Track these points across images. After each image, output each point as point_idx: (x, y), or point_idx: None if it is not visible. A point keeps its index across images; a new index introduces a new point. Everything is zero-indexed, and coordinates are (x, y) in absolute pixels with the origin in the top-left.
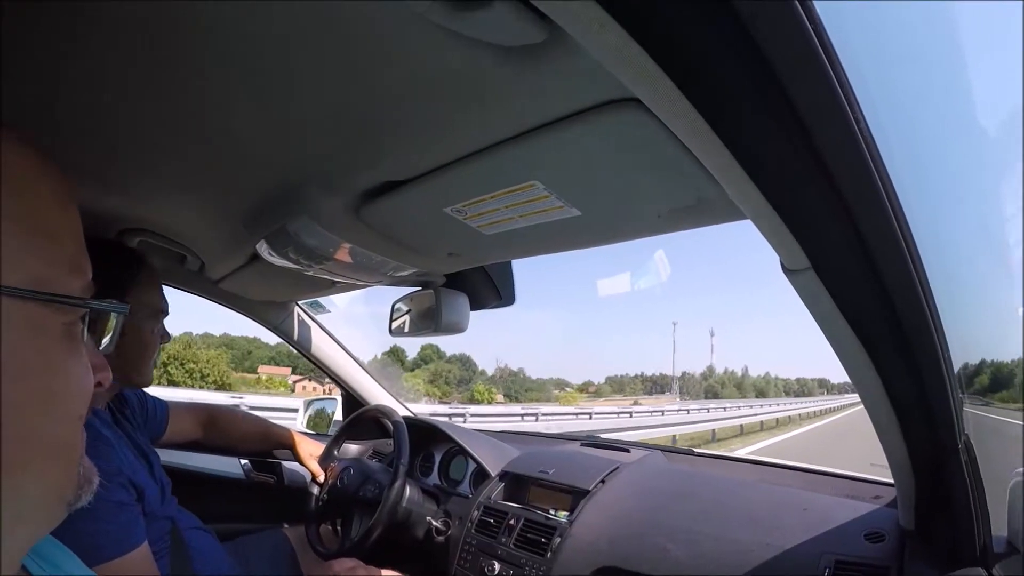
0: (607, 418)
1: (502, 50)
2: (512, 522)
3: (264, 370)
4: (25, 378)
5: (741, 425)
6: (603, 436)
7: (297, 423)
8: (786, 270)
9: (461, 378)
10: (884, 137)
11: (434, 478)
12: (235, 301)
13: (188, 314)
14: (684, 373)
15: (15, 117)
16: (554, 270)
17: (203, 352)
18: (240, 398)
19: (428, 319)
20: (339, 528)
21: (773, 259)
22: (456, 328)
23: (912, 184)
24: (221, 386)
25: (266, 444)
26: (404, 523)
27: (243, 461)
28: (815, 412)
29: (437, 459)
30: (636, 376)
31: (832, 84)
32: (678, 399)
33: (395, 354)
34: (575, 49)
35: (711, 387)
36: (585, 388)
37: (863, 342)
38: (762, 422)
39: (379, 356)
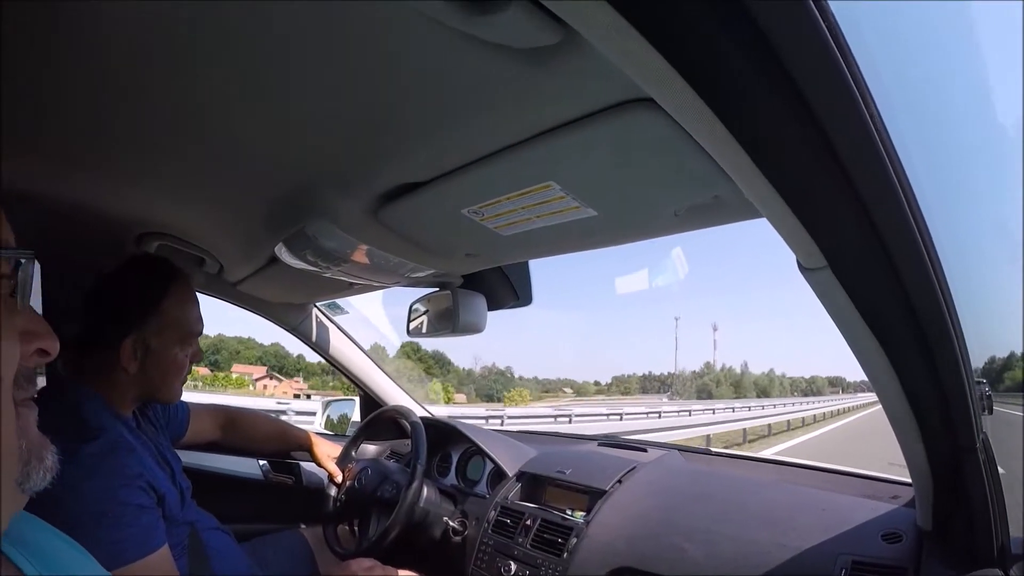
0: (637, 419)
1: (517, 52)
2: (529, 522)
3: (237, 369)
4: None
5: (745, 429)
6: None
7: (315, 424)
8: (802, 268)
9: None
10: (900, 134)
11: (451, 478)
12: (254, 303)
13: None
14: (674, 372)
15: (31, 121)
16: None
17: None
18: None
19: (446, 320)
20: (356, 528)
21: (782, 258)
22: (474, 328)
23: (929, 182)
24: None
25: (284, 445)
26: (421, 523)
27: (262, 462)
28: (827, 413)
29: (454, 459)
30: (645, 375)
31: (847, 82)
32: (665, 400)
33: (376, 352)
34: (589, 51)
35: (704, 386)
36: (584, 388)
37: (880, 341)
38: (770, 426)
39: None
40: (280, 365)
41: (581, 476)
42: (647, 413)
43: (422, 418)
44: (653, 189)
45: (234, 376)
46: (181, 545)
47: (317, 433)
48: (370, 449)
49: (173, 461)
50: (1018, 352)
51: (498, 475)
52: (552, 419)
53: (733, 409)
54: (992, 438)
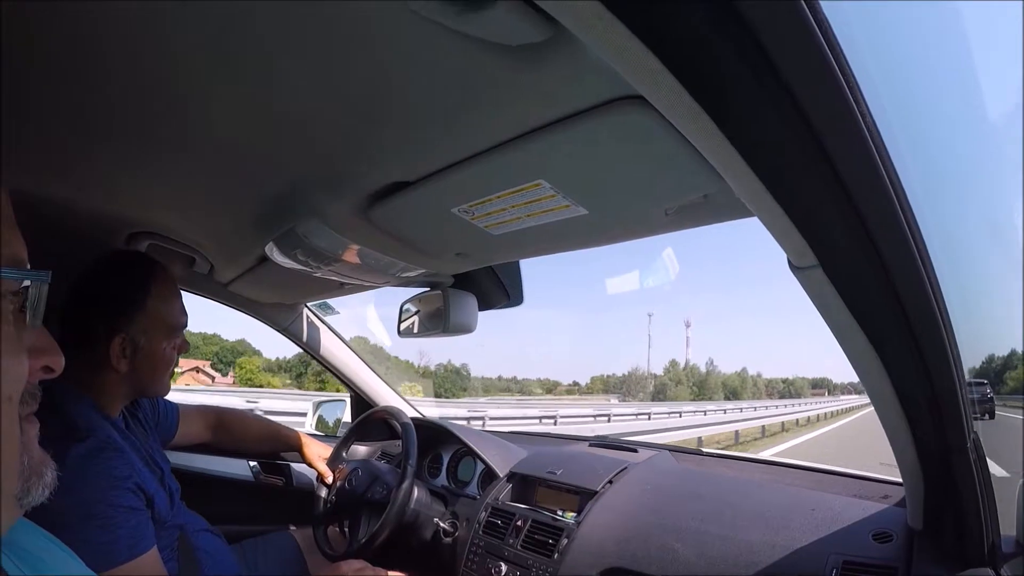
0: (575, 422)
1: (506, 49)
2: (519, 523)
3: (185, 363)
4: None
5: (700, 438)
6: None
7: (306, 425)
8: (793, 267)
9: None
10: (891, 133)
11: (442, 479)
12: (244, 304)
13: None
14: (633, 370)
15: (20, 120)
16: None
17: None
18: None
19: (437, 320)
20: (347, 530)
21: (764, 258)
22: (465, 328)
23: (920, 180)
24: None
25: (274, 445)
26: (412, 525)
27: (252, 463)
28: (810, 418)
29: (445, 460)
30: (627, 375)
31: (837, 79)
32: (614, 401)
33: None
34: (579, 47)
35: (663, 386)
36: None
37: (871, 340)
38: (737, 432)
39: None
40: (232, 361)
41: (572, 477)
42: (594, 416)
43: (413, 419)
44: (643, 188)
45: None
46: (171, 547)
47: (308, 434)
48: (361, 450)
49: (162, 462)
50: (1019, 350)
51: (489, 476)
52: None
53: (680, 414)
54: (996, 443)
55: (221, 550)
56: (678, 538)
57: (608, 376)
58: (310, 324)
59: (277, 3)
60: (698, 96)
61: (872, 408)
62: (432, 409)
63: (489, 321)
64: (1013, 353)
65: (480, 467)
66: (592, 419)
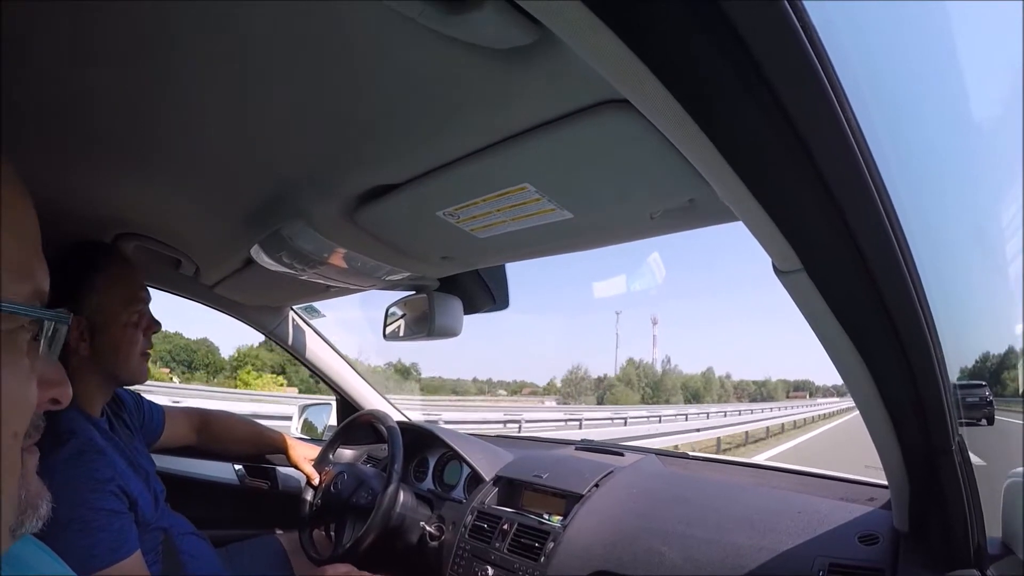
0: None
1: (492, 53)
2: (506, 527)
3: None
4: None
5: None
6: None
7: (292, 429)
8: (777, 271)
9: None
10: (876, 136)
11: (428, 483)
12: (230, 306)
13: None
14: (574, 368)
15: (13, 121)
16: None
17: None
18: None
19: (422, 323)
20: (332, 533)
21: (749, 261)
22: (450, 332)
23: (904, 184)
24: None
25: (260, 447)
26: (398, 528)
27: (237, 466)
28: (785, 425)
29: (431, 464)
30: (568, 375)
31: (822, 84)
32: (553, 404)
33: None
34: (564, 51)
35: (608, 386)
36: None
37: (855, 343)
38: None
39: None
40: (190, 360)
41: (558, 480)
42: (504, 422)
43: (399, 423)
44: (629, 191)
45: None
46: (155, 550)
47: (293, 436)
48: (347, 454)
49: (147, 465)
50: (1018, 347)
51: (475, 480)
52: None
53: (625, 419)
54: (996, 451)
55: (206, 553)
56: (664, 541)
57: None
58: (296, 327)
59: (262, 7)
60: (683, 100)
61: (854, 414)
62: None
63: (474, 325)
64: (1011, 351)
65: (466, 471)
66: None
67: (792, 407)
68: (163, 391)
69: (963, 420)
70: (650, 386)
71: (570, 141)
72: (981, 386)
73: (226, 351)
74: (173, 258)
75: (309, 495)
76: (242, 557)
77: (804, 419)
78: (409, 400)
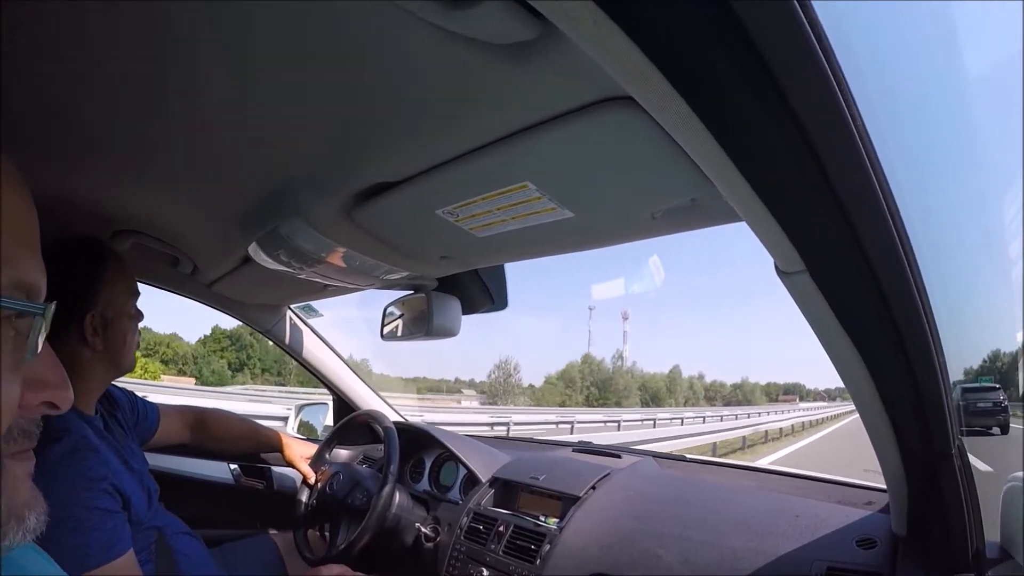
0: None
1: (494, 48)
2: (502, 529)
3: None
4: None
5: None
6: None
7: (288, 428)
8: (780, 272)
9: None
10: (881, 137)
11: (424, 484)
12: (227, 304)
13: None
14: (502, 362)
15: (12, 118)
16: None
17: None
18: None
19: (420, 323)
20: (327, 534)
21: (741, 263)
22: (448, 332)
23: (909, 186)
24: None
25: (255, 446)
26: (393, 529)
27: (232, 466)
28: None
29: (427, 465)
30: (493, 372)
31: (829, 83)
32: (463, 402)
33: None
34: (568, 46)
35: (510, 387)
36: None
37: (857, 345)
38: None
39: None
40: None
41: (555, 482)
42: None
43: (395, 423)
44: (630, 190)
45: None
46: (148, 549)
47: (289, 434)
48: (343, 454)
49: (140, 463)
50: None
51: (471, 481)
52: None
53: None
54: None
55: (199, 553)
56: (661, 544)
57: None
58: (293, 326)
59: (262, 5)
60: (688, 98)
61: (844, 422)
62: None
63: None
64: (1020, 352)
65: (462, 472)
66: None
67: (775, 412)
68: None
69: (973, 428)
70: (596, 385)
71: (572, 139)
72: (994, 389)
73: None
74: (170, 255)
75: (304, 495)
76: (236, 557)
77: (790, 426)
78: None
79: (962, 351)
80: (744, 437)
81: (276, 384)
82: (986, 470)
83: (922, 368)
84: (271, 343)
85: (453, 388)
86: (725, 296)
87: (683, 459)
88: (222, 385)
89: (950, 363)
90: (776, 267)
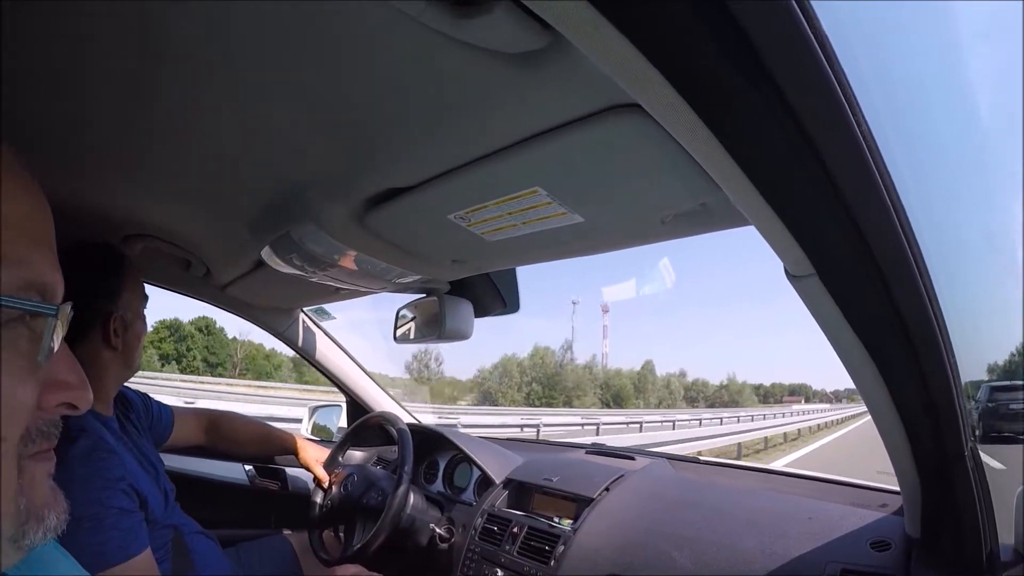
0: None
1: (503, 57)
2: (516, 530)
3: None
4: None
5: None
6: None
7: (302, 430)
8: (789, 276)
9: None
10: (887, 141)
11: (438, 485)
12: (240, 307)
13: None
14: (422, 351)
15: (22, 122)
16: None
17: None
18: None
19: (433, 326)
20: (342, 535)
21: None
22: (460, 335)
23: (916, 189)
24: None
25: (269, 448)
26: (408, 530)
27: (247, 467)
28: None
29: (441, 466)
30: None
31: (833, 88)
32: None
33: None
34: (576, 55)
35: (482, 383)
36: None
37: (868, 348)
38: None
39: None
40: None
41: (568, 484)
42: None
43: (409, 425)
44: (640, 196)
45: None
46: (164, 548)
47: (303, 437)
48: (356, 455)
49: (156, 463)
50: None
51: (485, 482)
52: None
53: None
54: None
55: (214, 552)
56: (675, 546)
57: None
58: (306, 329)
59: (275, 9)
60: (695, 105)
61: (848, 429)
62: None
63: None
64: None
65: (476, 473)
66: None
67: (771, 414)
68: None
69: (1003, 434)
70: (540, 381)
71: (581, 145)
72: (1016, 387)
73: None
74: (183, 259)
75: (319, 496)
76: (252, 557)
77: (783, 434)
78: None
79: (972, 354)
80: (740, 444)
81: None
82: (999, 467)
83: (933, 369)
84: (231, 337)
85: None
86: (728, 295)
87: (697, 461)
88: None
89: (961, 364)
90: (785, 271)
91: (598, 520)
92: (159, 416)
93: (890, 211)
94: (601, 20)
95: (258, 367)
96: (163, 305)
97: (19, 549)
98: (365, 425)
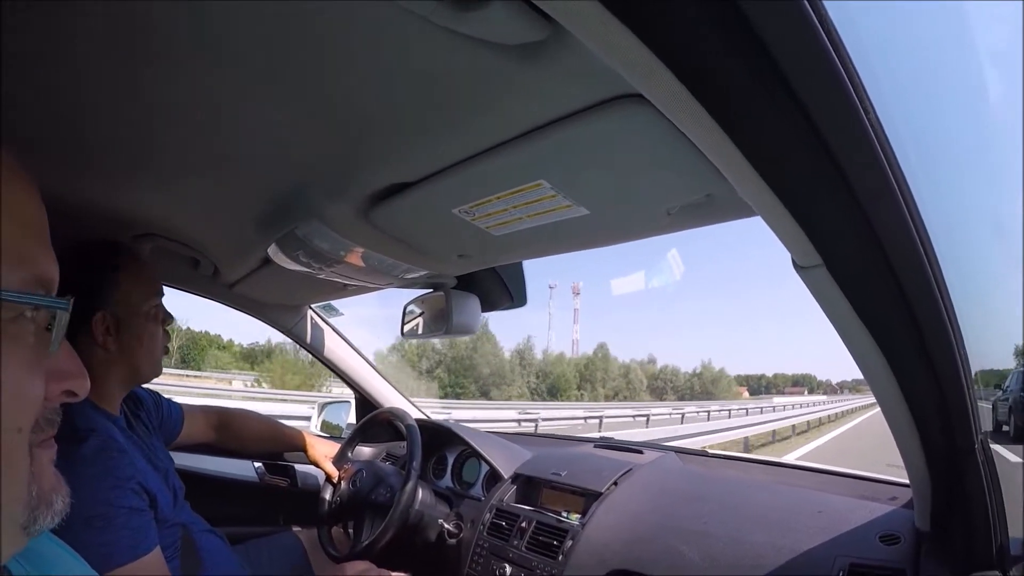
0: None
1: (505, 49)
2: (524, 525)
3: None
4: None
5: None
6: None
7: (311, 427)
8: (797, 267)
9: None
10: (895, 130)
11: (447, 480)
12: (248, 305)
13: None
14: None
15: (25, 122)
16: None
17: None
18: None
19: (440, 321)
20: (351, 531)
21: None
22: (468, 330)
23: (925, 177)
24: None
25: (278, 445)
26: (416, 526)
27: (256, 464)
28: None
29: (450, 461)
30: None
31: (840, 76)
32: (235, 383)
33: None
34: (577, 46)
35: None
36: None
37: (877, 340)
38: None
39: None
40: None
41: (577, 478)
42: None
43: (417, 420)
44: (645, 187)
45: None
46: (173, 546)
47: (312, 433)
48: (365, 451)
49: (166, 462)
50: None
51: (493, 477)
52: None
53: None
54: None
55: (223, 551)
56: (683, 540)
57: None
58: (314, 325)
59: (277, 7)
60: (698, 94)
61: (845, 431)
62: None
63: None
64: None
65: (485, 468)
66: None
67: (743, 410)
68: None
69: None
70: (447, 366)
71: (585, 137)
72: None
73: None
74: (191, 258)
75: (328, 492)
76: (261, 554)
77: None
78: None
79: (982, 346)
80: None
81: None
82: (1016, 460)
83: (944, 361)
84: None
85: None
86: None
87: (705, 454)
88: None
89: (972, 355)
90: (793, 261)
91: (606, 514)
92: (169, 414)
93: (899, 201)
94: (601, 10)
95: (214, 358)
96: None
97: (27, 535)
98: (374, 421)
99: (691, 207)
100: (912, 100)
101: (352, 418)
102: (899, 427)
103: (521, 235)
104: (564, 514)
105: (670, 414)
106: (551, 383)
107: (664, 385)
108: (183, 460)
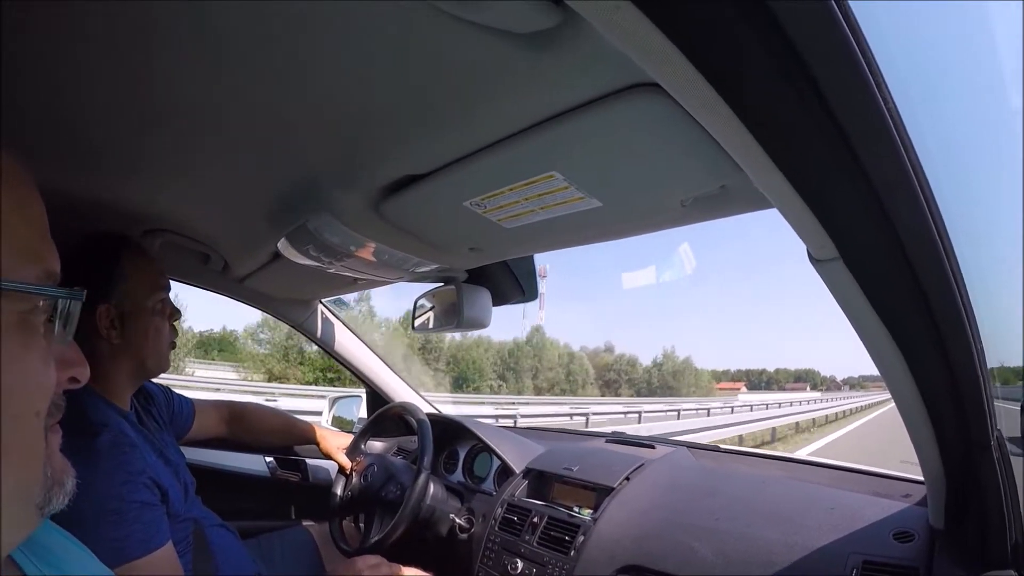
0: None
1: (516, 38)
2: (536, 520)
3: None
4: None
5: None
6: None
7: (322, 421)
8: (813, 259)
9: None
10: (915, 122)
11: (458, 475)
12: (259, 300)
13: None
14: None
15: (35, 119)
16: None
17: None
18: None
19: (451, 315)
20: (362, 525)
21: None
22: (479, 324)
23: (944, 171)
24: None
25: (290, 438)
26: (428, 520)
27: (268, 459)
28: None
29: (461, 456)
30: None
31: (860, 66)
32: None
33: None
34: (590, 33)
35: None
36: None
37: (893, 335)
38: None
39: None
40: None
41: (588, 473)
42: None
43: (429, 415)
44: (659, 178)
45: None
46: (185, 541)
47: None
48: (377, 445)
49: (177, 457)
50: None
51: (505, 472)
52: None
53: None
54: None
55: (234, 545)
56: (696, 536)
57: None
58: (325, 320)
59: (285, 2)
60: (715, 82)
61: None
62: None
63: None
64: None
65: (496, 463)
66: None
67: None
68: None
69: None
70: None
71: (598, 127)
72: None
73: None
74: (201, 253)
75: (339, 487)
76: (272, 548)
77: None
78: None
79: (998, 342)
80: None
81: None
82: None
83: (960, 356)
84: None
85: None
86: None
87: (717, 449)
88: None
89: (989, 351)
90: (809, 254)
91: (618, 510)
92: (180, 409)
93: (917, 194)
94: None
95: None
96: None
97: (42, 515)
98: (385, 415)
99: (705, 198)
100: (933, 90)
101: (363, 412)
102: (914, 422)
103: (533, 228)
104: (576, 509)
105: (625, 414)
106: (460, 371)
107: (618, 378)
108: (194, 455)
